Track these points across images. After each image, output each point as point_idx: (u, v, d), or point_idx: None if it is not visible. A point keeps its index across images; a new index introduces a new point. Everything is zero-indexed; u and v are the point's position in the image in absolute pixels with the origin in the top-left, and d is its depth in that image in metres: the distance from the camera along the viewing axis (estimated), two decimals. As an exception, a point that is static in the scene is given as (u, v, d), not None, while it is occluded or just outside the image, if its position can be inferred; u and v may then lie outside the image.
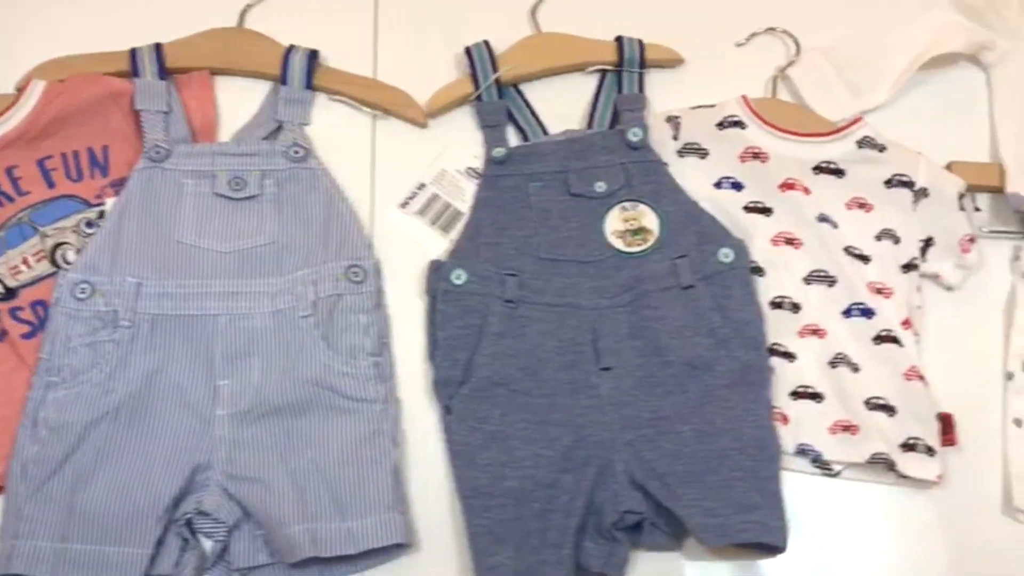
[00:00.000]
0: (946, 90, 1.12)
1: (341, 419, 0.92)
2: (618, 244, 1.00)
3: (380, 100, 1.07)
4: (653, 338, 0.95)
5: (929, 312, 1.01)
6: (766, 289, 0.99)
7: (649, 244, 1.00)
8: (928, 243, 1.01)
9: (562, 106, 1.08)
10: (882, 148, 1.04)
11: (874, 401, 0.94)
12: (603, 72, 1.09)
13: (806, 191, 1.02)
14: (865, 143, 1.04)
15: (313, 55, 1.06)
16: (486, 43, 1.08)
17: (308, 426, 0.92)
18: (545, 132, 1.06)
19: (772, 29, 1.11)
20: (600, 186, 1.02)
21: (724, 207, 1.02)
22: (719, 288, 0.97)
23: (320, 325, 0.94)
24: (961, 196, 1.01)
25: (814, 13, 1.14)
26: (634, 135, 1.03)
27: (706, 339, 0.95)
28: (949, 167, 1.05)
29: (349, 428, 0.92)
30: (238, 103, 1.07)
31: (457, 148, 1.06)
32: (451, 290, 0.96)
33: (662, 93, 1.10)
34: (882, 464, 0.92)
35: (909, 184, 1.02)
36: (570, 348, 0.95)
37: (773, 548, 0.89)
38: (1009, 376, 0.98)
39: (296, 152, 1.02)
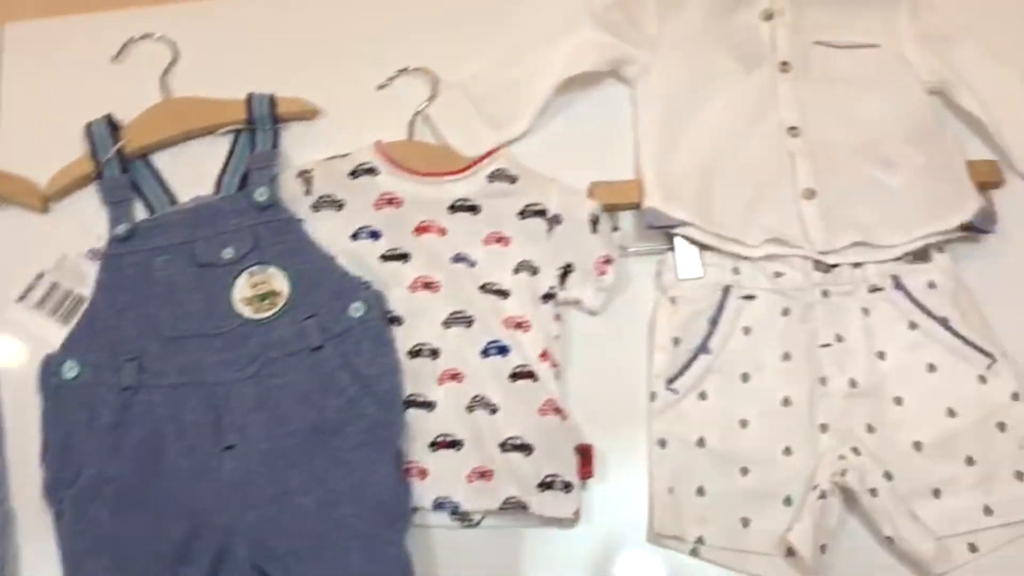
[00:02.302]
0: (594, 109, 1.10)
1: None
2: (246, 312, 0.96)
3: (-5, 190, 1.02)
4: (277, 407, 0.91)
5: (579, 337, 0.99)
6: (406, 338, 0.96)
7: (278, 308, 0.96)
8: (567, 270, 0.99)
9: (197, 172, 1.04)
10: (514, 179, 1.02)
11: (510, 442, 0.92)
12: (238, 132, 1.06)
13: (442, 232, 1.00)
14: (496, 176, 1.02)
15: (-81, 150, 1.01)
16: (107, 117, 1.03)
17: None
18: (174, 202, 1.02)
19: (405, 69, 1.09)
20: (228, 252, 0.98)
21: (362, 258, 0.99)
22: (349, 345, 0.94)
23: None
24: (595, 218, 1.00)
25: (456, 48, 1.12)
26: (260, 195, 1.00)
27: (334, 401, 0.91)
28: (592, 188, 1.03)
29: (-50, 548, 0.86)
30: None
31: (78, 230, 1.01)
32: (62, 385, 0.91)
33: (303, 147, 1.06)
34: (517, 508, 0.89)
35: (542, 213, 1.00)
36: (191, 430, 0.90)
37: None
38: (652, 396, 0.96)
39: (-102, 256, 0.96)
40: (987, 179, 1.04)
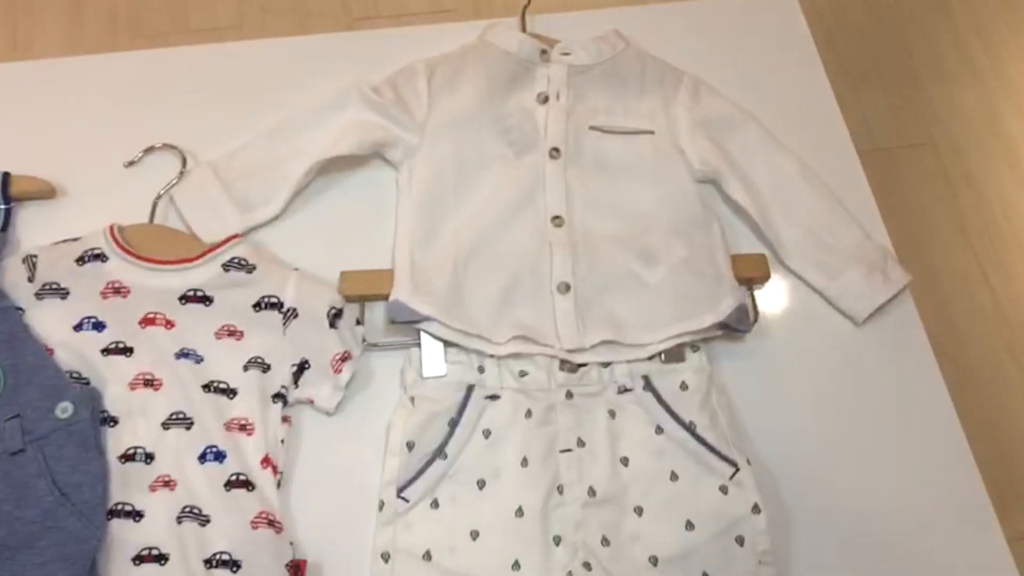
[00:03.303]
0: (361, 192, 1.06)
1: None
2: (-56, 412, 0.89)
3: None
4: (-36, 521, 0.84)
5: (310, 440, 0.93)
6: (120, 440, 0.89)
7: (-19, 407, 0.89)
8: (303, 367, 0.93)
9: (-81, 255, 0.98)
10: (251, 268, 0.96)
11: (218, 557, 0.85)
12: (-34, 212, 0.99)
13: (169, 325, 0.93)
14: (233, 264, 0.96)
15: None
16: None
17: None
18: None
19: (152, 147, 1.04)
20: (-65, 346, 0.91)
21: (82, 351, 0.92)
22: (53, 449, 0.86)
23: None
24: (334, 312, 0.94)
25: (217, 125, 1.07)
26: (-24, 283, 0.93)
27: (29, 511, 0.84)
28: (341, 278, 0.98)
29: None
30: None
31: None
32: None
33: (42, 229, 1.00)
34: (215, 633, 0.82)
35: (277, 305, 0.94)
36: None
37: None
38: (380, 506, 0.90)
39: None
40: (753, 274, 1.01)
